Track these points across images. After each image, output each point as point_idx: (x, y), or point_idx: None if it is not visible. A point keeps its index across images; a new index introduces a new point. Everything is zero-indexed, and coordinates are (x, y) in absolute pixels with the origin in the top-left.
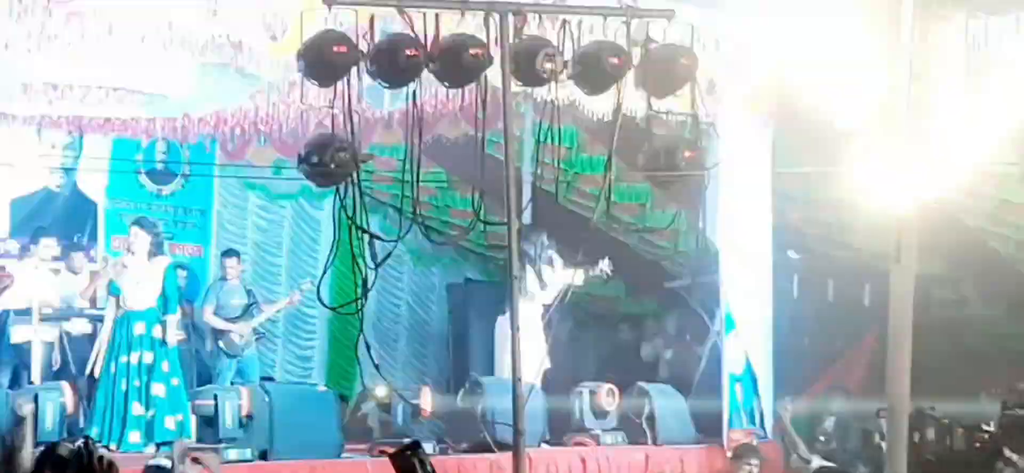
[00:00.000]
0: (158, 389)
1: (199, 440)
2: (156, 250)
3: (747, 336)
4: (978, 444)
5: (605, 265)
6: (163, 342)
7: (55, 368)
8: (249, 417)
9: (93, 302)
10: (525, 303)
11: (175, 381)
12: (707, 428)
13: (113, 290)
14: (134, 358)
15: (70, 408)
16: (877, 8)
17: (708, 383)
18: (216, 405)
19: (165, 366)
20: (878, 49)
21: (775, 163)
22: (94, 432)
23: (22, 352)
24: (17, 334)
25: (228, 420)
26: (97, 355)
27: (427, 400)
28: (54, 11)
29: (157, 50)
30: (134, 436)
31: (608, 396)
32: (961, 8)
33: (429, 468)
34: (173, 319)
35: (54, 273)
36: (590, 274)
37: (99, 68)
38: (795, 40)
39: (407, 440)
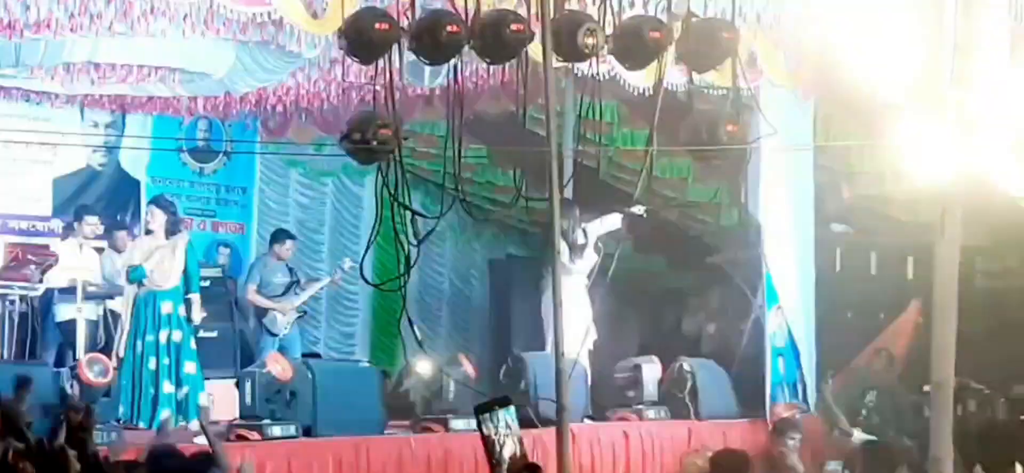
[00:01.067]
0: (190, 367)
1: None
2: (174, 228)
3: (789, 310)
4: (1023, 415)
5: (639, 210)
6: (189, 320)
7: (100, 345)
8: (293, 394)
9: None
10: (567, 278)
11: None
12: (750, 402)
13: (136, 274)
14: (162, 336)
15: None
16: None
17: (751, 357)
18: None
19: (193, 344)
20: (920, 21)
21: (817, 136)
22: (120, 412)
23: (67, 331)
24: (61, 313)
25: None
26: (121, 336)
27: (470, 368)
28: None
29: (198, 28)
30: (165, 414)
31: (650, 369)
32: None
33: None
34: (196, 298)
35: (97, 252)
36: (627, 215)
37: (141, 47)
38: (836, 13)
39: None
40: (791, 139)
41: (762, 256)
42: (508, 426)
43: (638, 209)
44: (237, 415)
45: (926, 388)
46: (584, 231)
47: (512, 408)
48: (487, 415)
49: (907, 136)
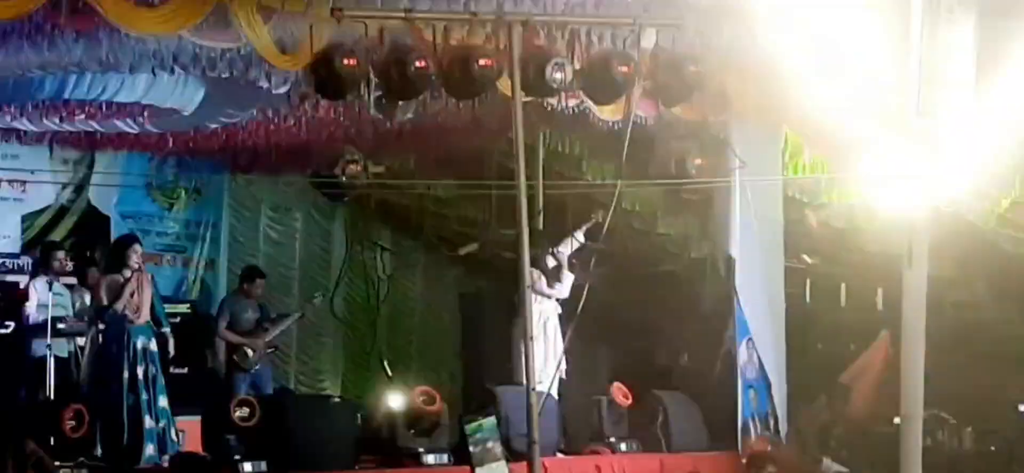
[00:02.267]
0: (163, 401)
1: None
2: (142, 265)
3: (760, 342)
4: (993, 446)
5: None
6: (161, 355)
7: (72, 382)
8: (263, 431)
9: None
10: (541, 307)
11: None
12: (721, 435)
13: (108, 310)
14: (139, 371)
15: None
16: (886, 12)
17: (722, 390)
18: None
19: (164, 380)
20: (888, 53)
21: (785, 169)
22: (99, 452)
23: (38, 368)
24: (32, 350)
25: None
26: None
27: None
28: (65, 29)
29: (168, 64)
30: (149, 449)
31: (622, 397)
32: (970, 11)
33: None
34: (167, 332)
35: (68, 289)
36: (587, 227)
37: (110, 84)
38: (804, 46)
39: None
40: (760, 171)
41: (732, 288)
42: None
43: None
44: (206, 452)
45: (897, 420)
46: (554, 254)
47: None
48: (473, 426)
49: (875, 167)
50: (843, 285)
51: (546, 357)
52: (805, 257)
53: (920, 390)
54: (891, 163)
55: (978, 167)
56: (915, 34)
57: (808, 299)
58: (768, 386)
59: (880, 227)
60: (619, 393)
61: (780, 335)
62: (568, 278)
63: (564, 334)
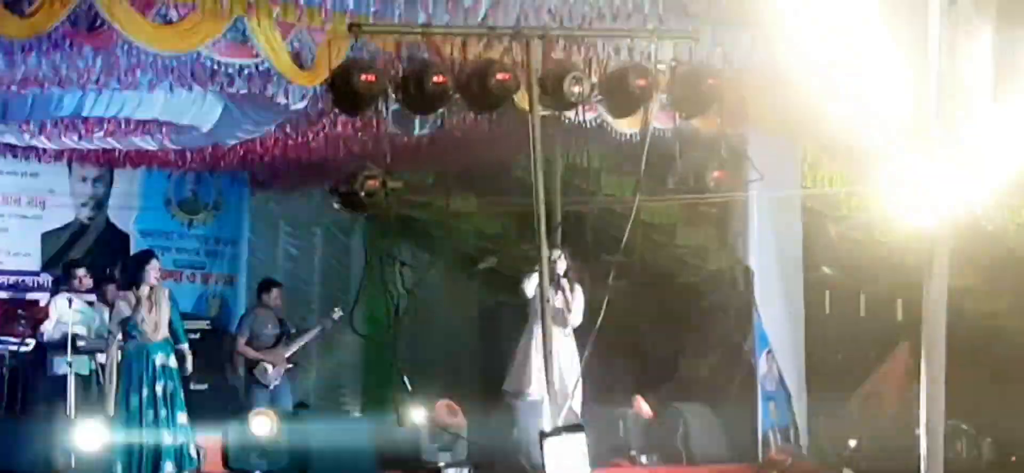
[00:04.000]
0: (182, 418)
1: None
2: (160, 281)
3: (780, 354)
4: (1014, 457)
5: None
6: (180, 371)
7: (92, 401)
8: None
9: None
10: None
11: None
12: (742, 447)
13: (131, 327)
14: (158, 388)
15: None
16: (904, 23)
17: (742, 401)
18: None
19: (183, 396)
20: (906, 64)
21: (804, 180)
22: (118, 469)
23: (59, 385)
24: (53, 368)
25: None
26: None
27: (460, 416)
28: (84, 46)
29: (186, 81)
30: (168, 467)
31: (644, 410)
32: (988, 20)
33: None
34: (185, 348)
35: (88, 306)
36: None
37: (128, 101)
38: (822, 57)
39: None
40: (778, 184)
41: (752, 300)
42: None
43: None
44: (226, 469)
45: (918, 431)
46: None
47: (582, 435)
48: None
49: (895, 179)
50: (863, 296)
51: (562, 372)
52: (824, 268)
53: (941, 401)
54: (910, 174)
55: (998, 177)
56: (933, 44)
57: (827, 310)
58: (788, 397)
59: (899, 238)
60: (641, 405)
61: (800, 346)
62: (579, 298)
63: (583, 347)
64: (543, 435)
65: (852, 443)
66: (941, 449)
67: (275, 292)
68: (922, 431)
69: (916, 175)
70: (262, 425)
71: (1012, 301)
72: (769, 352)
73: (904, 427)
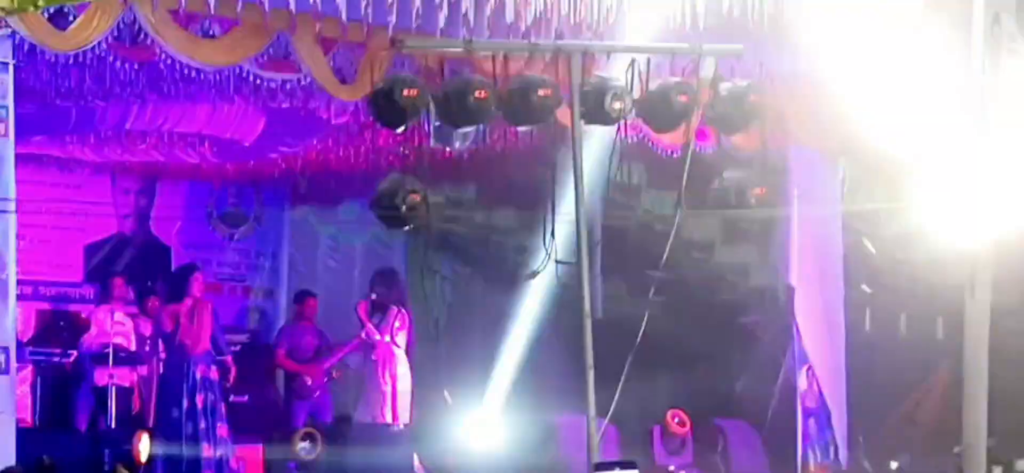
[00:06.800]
0: (222, 430)
1: None
2: (203, 294)
3: (820, 371)
4: None
5: None
6: (221, 383)
7: (134, 412)
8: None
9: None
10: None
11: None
12: (781, 463)
13: (172, 339)
14: (199, 400)
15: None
16: (947, 40)
17: (782, 418)
18: None
19: (223, 408)
20: (948, 82)
21: (844, 198)
22: None
23: (101, 397)
24: (94, 379)
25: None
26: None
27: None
28: (127, 60)
29: (228, 95)
30: None
31: (678, 425)
32: None
33: None
34: (228, 361)
35: (130, 318)
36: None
37: (171, 114)
38: (864, 75)
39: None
40: (819, 201)
41: (792, 317)
42: None
43: None
44: None
45: (957, 449)
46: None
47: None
48: None
49: (936, 197)
50: (903, 315)
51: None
52: (864, 287)
53: (983, 420)
54: (952, 192)
55: None
56: (976, 62)
57: (868, 328)
58: (828, 415)
59: (941, 257)
60: (674, 421)
61: (840, 364)
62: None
63: (624, 362)
64: (597, 467)
65: (894, 466)
66: (983, 467)
67: (311, 302)
68: (963, 449)
69: (958, 193)
70: (304, 440)
71: None
72: (809, 369)
73: (944, 447)
